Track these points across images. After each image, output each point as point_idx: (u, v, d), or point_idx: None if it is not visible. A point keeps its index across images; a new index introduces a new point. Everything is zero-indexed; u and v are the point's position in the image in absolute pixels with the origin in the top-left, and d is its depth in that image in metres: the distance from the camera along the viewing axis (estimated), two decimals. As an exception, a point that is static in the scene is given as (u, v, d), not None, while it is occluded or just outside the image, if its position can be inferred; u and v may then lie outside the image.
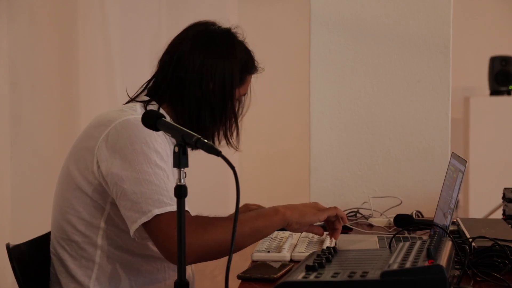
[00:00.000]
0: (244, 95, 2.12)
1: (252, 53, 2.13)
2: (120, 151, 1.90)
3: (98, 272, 2.00)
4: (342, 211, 2.14)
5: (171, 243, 1.84)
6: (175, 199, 1.84)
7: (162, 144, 1.94)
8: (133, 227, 1.87)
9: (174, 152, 1.57)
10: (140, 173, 1.88)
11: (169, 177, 1.91)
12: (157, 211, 1.85)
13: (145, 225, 1.87)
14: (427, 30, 3.02)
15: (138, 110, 2.00)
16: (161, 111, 2.02)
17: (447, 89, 3.03)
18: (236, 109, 2.09)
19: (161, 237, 1.86)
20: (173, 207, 1.84)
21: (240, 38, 2.11)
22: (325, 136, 3.06)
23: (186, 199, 1.75)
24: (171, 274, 2.06)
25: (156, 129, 1.73)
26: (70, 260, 2.01)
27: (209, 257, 1.91)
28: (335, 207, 2.11)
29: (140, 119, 1.90)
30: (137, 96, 2.10)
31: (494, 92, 6.10)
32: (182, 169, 1.56)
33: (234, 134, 2.16)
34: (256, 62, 2.13)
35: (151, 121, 1.73)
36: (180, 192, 1.55)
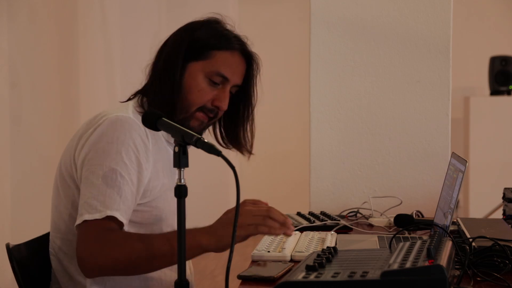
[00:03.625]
0: (219, 73, 2.01)
1: (228, 31, 2.05)
2: (88, 150, 1.90)
3: None
4: (258, 213, 1.83)
5: (82, 252, 1.81)
6: (109, 205, 1.82)
7: (130, 145, 1.89)
8: (75, 229, 1.86)
9: (174, 152, 1.57)
10: (91, 174, 1.86)
11: (121, 178, 1.85)
12: (86, 217, 1.82)
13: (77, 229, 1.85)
14: (427, 30, 3.02)
15: (130, 109, 1.99)
16: (134, 103, 2.02)
17: (447, 89, 3.03)
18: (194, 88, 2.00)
19: (78, 243, 1.83)
20: (101, 214, 1.81)
21: (223, 23, 2.06)
22: (325, 136, 3.06)
23: (123, 209, 1.73)
24: (168, 273, 2.03)
25: (156, 129, 1.73)
26: (66, 260, 2.00)
27: (106, 274, 1.88)
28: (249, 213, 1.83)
29: (124, 118, 1.90)
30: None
31: (494, 92, 6.10)
32: (182, 169, 1.56)
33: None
34: (229, 40, 2.03)
35: (151, 121, 1.73)
36: (180, 192, 1.55)
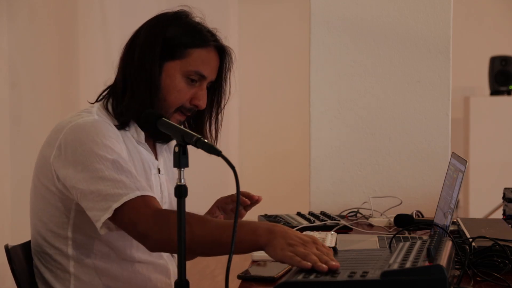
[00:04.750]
0: (197, 72, 1.98)
1: (200, 25, 2.01)
2: (72, 155, 1.87)
3: (75, 282, 1.95)
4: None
5: (136, 231, 1.80)
6: (131, 186, 1.81)
7: (112, 138, 1.89)
8: (97, 226, 1.83)
9: (174, 152, 1.57)
10: (93, 172, 1.83)
11: (124, 164, 1.85)
12: (115, 205, 1.80)
13: (112, 221, 1.83)
14: (427, 30, 3.02)
15: (93, 111, 1.96)
16: (98, 108, 1.99)
17: (447, 89, 3.03)
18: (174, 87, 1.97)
19: (127, 228, 1.82)
20: (129, 196, 1.80)
21: (192, 17, 2.02)
22: (325, 136, 3.06)
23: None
24: (152, 277, 2.01)
25: (156, 129, 1.73)
26: (47, 273, 1.98)
27: (170, 251, 1.91)
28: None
29: (92, 119, 1.89)
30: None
31: (494, 92, 6.10)
32: (182, 169, 1.56)
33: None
34: (204, 36, 1.99)
35: (151, 121, 1.73)
36: (180, 192, 1.55)
